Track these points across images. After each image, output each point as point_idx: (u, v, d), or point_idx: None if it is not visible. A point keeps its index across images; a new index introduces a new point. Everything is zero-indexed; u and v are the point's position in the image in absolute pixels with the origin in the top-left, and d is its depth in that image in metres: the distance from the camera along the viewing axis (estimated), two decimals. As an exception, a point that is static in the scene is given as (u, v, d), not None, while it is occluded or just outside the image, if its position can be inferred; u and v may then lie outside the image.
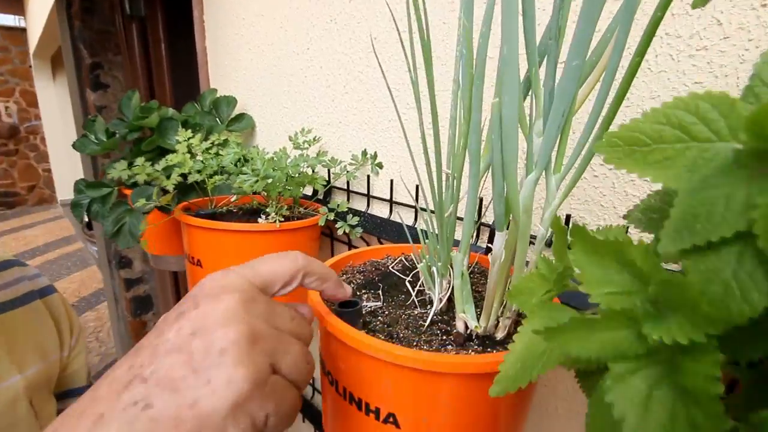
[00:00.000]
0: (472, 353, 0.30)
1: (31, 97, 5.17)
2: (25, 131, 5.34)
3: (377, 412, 0.30)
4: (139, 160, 0.59)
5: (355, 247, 0.76)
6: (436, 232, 0.35)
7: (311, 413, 0.92)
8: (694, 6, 0.18)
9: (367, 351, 0.28)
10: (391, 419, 0.29)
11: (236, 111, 0.92)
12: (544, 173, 0.26)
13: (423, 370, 0.27)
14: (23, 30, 4.86)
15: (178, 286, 1.81)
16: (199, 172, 0.56)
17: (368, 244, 0.70)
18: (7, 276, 0.54)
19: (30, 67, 5.08)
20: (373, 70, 0.63)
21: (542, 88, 0.27)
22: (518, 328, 0.23)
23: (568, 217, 0.44)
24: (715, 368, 0.11)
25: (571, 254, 0.18)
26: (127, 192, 0.82)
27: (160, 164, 0.59)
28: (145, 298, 1.96)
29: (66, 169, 5.31)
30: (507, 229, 0.28)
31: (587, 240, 0.17)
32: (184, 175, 0.57)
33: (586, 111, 0.42)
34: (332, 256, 0.82)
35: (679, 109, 0.13)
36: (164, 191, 0.66)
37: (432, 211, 0.35)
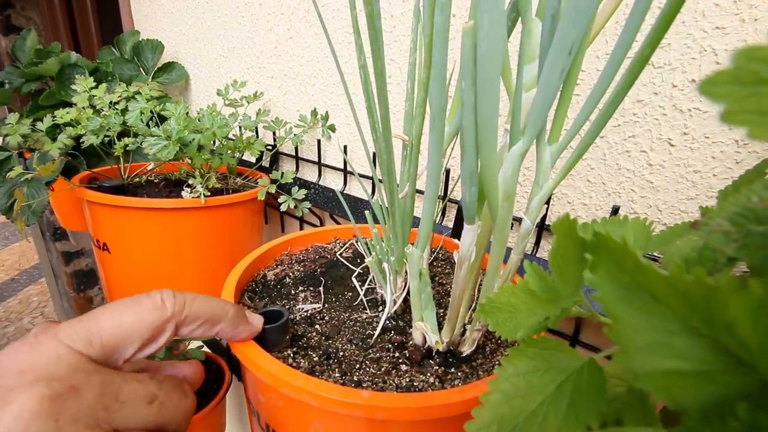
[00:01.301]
0: (431, 378, 0.23)
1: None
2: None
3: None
4: (12, 117, 0.45)
5: (309, 223, 0.67)
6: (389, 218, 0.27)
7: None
8: None
9: (287, 391, 0.20)
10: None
11: (164, 59, 0.77)
12: (535, 143, 0.18)
13: (362, 418, 0.19)
14: None
15: (125, 259, 1.66)
16: (95, 132, 0.44)
17: (321, 221, 0.61)
18: None
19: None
20: (321, 8, 0.51)
21: (533, 18, 0.18)
22: (495, 369, 0.16)
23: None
24: None
25: (594, 283, 0.10)
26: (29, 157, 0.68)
27: (45, 122, 0.46)
28: (88, 273, 1.80)
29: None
30: (479, 220, 0.20)
31: (626, 266, 0.09)
32: (75, 139, 0.45)
33: (594, 67, 0.34)
34: (282, 232, 0.73)
35: None
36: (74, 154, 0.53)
37: (379, 179, 0.27)
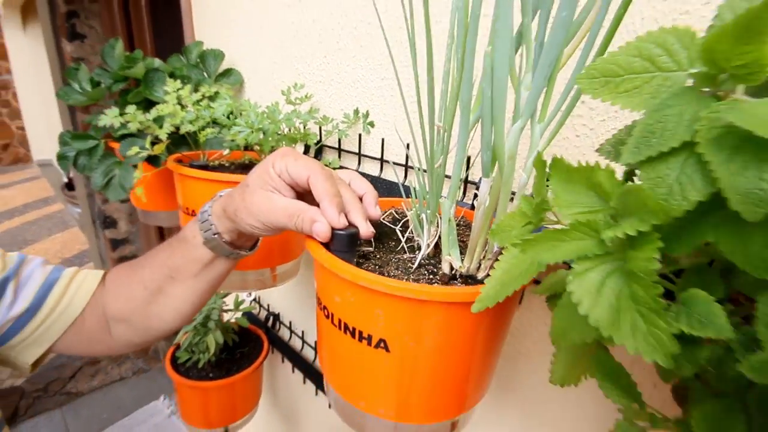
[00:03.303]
0: (456, 289, 0.33)
1: (2, 50, 4.84)
2: (-4, 86, 5.04)
3: (369, 338, 0.33)
4: (131, 108, 0.58)
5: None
6: (426, 185, 0.37)
7: (311, 372, 0.96)
8: None
9: (363, 283, 0.30)
10: (382, 344, 0.33)
11: (224, 66, 0.90)
12: (529, 122, 0.28)
13: (413, 299, 0.30)
14: (-11, -22, 4.48)
15: (165, 247, 1.81)
16: (191, 122, 0.56)
17: (359, 202, 0.72)
18: None
19: (-1, 17, 4.71)
20: (366, 25, 0.63)
21: (533, 41, 0.28)
22: (498, 257, 0.26)
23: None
24: (654, 251, 0.14)
25: (550, 184, 0.20)
26: (114, 145, 0.81)
27: (151, 113, 0.58)
28: (132, 258, 1.96)
29: (41, 127, 5.07)
30: (493, 175, 0.31)
31: (563, 169, 0.19)
32: (175, 127, 0.57)
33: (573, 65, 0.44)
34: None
35: (649, 42, 0.15)
36: (156, 141, 0.66)
37: (423, 170, 0.37)
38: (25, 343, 0.45)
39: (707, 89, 0.14)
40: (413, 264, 0.38)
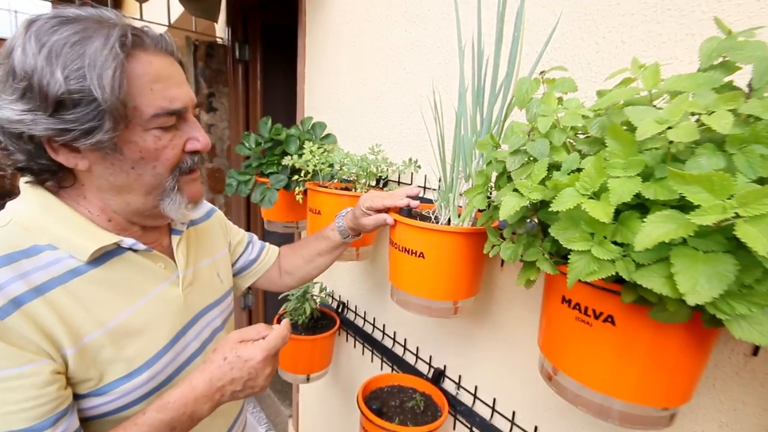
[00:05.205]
0: (455, 233, 0.75)
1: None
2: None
3: (415, 252, 0.75)
4: (295, 156, 1.09)
5: (400, 219, 1.22)
6: (443, 191, 0.80)
7: (369, 342, 1.36)
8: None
9: (415, 224, 0.74)
10: (421, 255, 0.75)
11: (326, 131, 1.43)
12: (482, 160, 0.72)
13: (436, 230, 0.72)
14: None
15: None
16: (323, 163, 1.04)
17: (409, 214, 1.15)
18: None
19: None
20: (418, 112, 1.11)
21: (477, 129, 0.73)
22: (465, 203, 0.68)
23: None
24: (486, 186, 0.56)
25: (471, 176, 0.64)
26: (261, 179, 1.33)
27: (302, 159, 1.08)
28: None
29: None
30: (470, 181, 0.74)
31: (478, 175, 0.62)
32: (314, 166, 1.06)
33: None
34: (384, 224, 1.29)
35: (488, 139, 0.58)
36: (306, 174, 1.16)
37: (441, 190, 0.81)
38: (249, 275, 0.92)
39: (495, 148, 0.56)
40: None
